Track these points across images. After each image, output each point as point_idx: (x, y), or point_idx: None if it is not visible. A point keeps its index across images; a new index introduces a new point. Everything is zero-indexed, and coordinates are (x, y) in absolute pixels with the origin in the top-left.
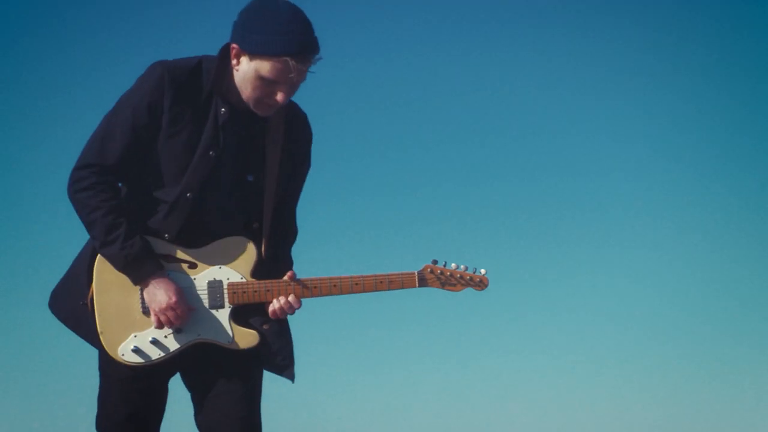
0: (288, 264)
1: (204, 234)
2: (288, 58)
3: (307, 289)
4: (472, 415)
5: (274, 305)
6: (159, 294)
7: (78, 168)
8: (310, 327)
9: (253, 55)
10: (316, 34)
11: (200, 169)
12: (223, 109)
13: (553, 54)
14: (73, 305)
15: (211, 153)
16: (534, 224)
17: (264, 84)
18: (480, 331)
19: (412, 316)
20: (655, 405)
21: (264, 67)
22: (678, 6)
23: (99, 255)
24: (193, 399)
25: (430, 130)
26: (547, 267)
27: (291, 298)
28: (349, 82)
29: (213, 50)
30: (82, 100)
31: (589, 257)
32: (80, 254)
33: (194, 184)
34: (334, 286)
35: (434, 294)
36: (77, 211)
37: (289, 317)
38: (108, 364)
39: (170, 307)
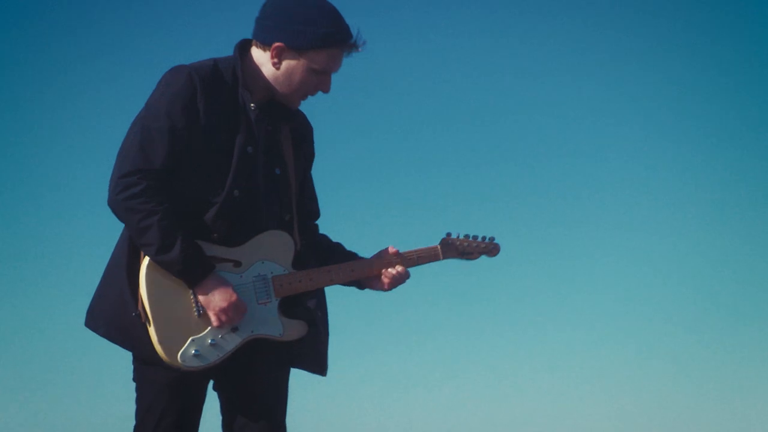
0: (339, 246)
1: (247, 231)
2: (345, 47)
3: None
4: (471, 415)
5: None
6: (218, 294)
7: (125, 175)
8: None
9: (306, 49)
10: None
11: (242, 166)
12: (252, 105)
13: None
14: (117, 318)
15: (249, 149)
16: (534, 217)
17: (314, 76)
18: (481, 326)
19: (406, 310)
20: (661, 402)
21: (319, 59)
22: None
23: (147, 262)
24: (223, 402)
25: (424, 119)
26: (546, 262)
27: (399, 268)
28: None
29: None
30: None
31: (589, 254)
32: (112, 266)
33: (240, 181)
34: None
35: (429, 287)
36: (127, 218)
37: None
38: (153, 371)
39: (232, 307)
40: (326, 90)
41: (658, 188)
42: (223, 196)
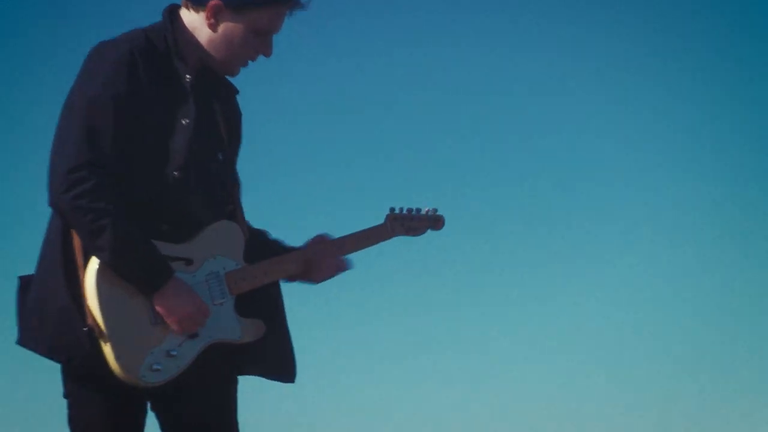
0: (268, 237)
1: (193, 224)
2: (289, 4)
3: (313, 258)
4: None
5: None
6: (181, 299)
7: (72, 170)
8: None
9: (244, 7)
10: None
11: (179, 141)
12: (188, 76)
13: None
14: (61, 334)
15: (184, 121)
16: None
17: (255, 38)
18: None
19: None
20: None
21: (261, 17)
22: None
23: (95, 268)
24: (165, 424)
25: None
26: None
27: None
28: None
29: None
30: None
31: (589, 253)
32: (44, 272)
33: (180, 161)
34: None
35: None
36: (77, 220)
37: None
38: (89, 390)
39: (198, 312)
40: (268, 54)
41: (659, 186)
42: (163, 180)
